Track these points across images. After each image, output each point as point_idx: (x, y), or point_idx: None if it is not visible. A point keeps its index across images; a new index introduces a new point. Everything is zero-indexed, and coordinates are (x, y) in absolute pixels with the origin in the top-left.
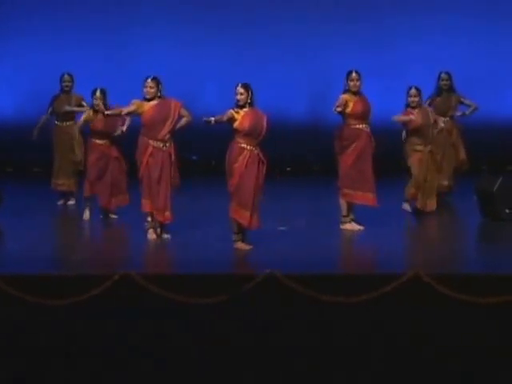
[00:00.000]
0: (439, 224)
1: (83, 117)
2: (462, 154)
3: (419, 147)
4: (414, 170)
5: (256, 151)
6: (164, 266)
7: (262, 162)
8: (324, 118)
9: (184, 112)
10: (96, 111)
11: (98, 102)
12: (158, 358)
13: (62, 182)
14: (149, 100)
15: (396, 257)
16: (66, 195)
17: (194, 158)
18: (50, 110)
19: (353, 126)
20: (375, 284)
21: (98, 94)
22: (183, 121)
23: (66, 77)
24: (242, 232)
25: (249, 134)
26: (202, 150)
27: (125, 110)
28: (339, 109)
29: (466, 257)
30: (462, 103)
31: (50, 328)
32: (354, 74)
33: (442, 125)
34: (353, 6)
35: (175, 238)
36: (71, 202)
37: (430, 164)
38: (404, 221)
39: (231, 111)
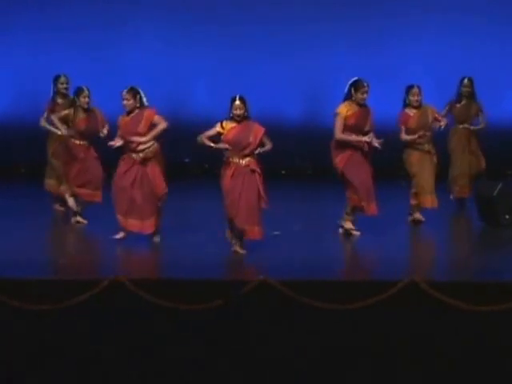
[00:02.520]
0: (437, 230)
1: (63, 112)
2: (483, 163)
3: (417, 146)
4: (414, 169)
5: (244, 162)
6: (155, 271)
7: (253, 172)
8: (318, 119)
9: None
10: (79, 110)
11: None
12: (148, 365)
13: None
14: (128, 113)
15: (392, 263)
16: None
17: (187, 160)
18: (46, 115)
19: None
20: (371, 290)
21: (86, 92)
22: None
23: (63, 78)
24: (241, 238)
25: (233, 147)
26: (194, 153)
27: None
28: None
29: (463, 263)
30: (478, 115)
31: (37, 333)
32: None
33: (445, 122)
34: (348, 5)
35: (166, 241)
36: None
37: (428, 163)
38: (401, 227)
39: (217, 125)
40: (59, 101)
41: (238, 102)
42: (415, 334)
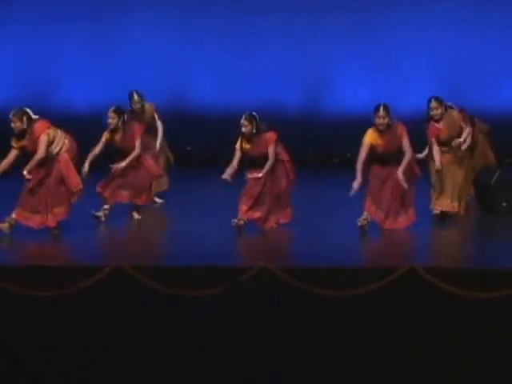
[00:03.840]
0: (435, 217)
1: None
2: (492, 158)
3: (445, 151)
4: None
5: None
6: (157, 258)
7: (281, 162)
8: (318, 108)
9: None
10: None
11: None
12: (150, 351)
13: None
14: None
15: (392, 250)
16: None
17: (189, 148)
18: None
19: None
20: (371, 277)
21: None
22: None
23: (136, 97)
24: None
25: (251, 162)
26: (196, 141)
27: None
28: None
29: (462, 250)
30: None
31: (39, 320)
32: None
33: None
34: None
35: (169, 229)
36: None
37: (454, 165)
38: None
39: (236, 147)
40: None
41: (242, 121)
42: (414, 320)
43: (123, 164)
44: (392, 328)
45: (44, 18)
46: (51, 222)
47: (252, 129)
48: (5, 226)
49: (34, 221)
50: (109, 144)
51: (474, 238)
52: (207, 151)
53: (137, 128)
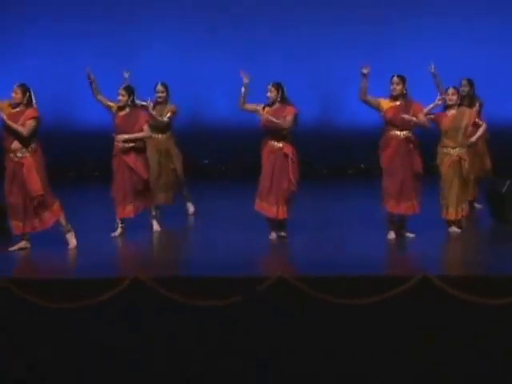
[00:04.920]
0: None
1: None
2: (488, 164)
3: (449, 150)
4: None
5: (278, 145)
6: (175, 269)
7: (286, 156)
8: (333, 120)
9: None
10: (120, 107)
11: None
12: (170, 361)
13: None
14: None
15: (406, 259)
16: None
17: (206, 162)
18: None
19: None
20: (385, 286)
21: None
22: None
23: (160, 87)
24: (273, 223)
25: (267, 130)
26: (213, 155)
27: None
28: None
29: (475, 259)
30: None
31: (60, 331)
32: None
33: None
34: (361, 8)
35: (185, 240)
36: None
37: (456, 170)
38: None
39: (261, 106)
40: (156, 108)
41: (269, 86)
42: (428, 328)
43: (126, 137)
44: (406, 336)
45: (60, 32)
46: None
47: (277, 96)
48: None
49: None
50: (109, 111)
51: (487, 247)
52: (223, 165)
53: (143, 115)
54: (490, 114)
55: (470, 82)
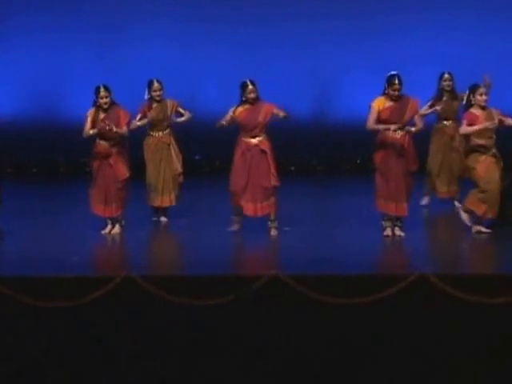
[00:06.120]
0: (446, 225)
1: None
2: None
3: (486, 150)
4: (482, 180)
5: (254, 141)
6: (168, 268)
7: (263, 152)
8: (327, 116)
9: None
10: (99, 110)
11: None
12: (160, 361)
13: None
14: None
15: (403, 257)
16: (159, 211)
17: (198, 157)
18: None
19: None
20: (382, 285)
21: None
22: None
23: (158, 85)
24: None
25: (244, 127)
26: (205, 150)
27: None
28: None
29: (473, 258)
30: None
31: (50, 330)
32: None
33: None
34: (357, 3)
35: (179, 238)
36: (163, 219)
37: (495, 168)
38: (411, 223)
39: (230, 111)
40: (155, 105)
41: (251, 87)
42: (425, 327)
43: (113, 128)
44: (403, 335)
45: (52, 29)
46: None
47: (257, 94)
48: None
49: None
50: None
51: (485, 245)
52: (215, 160)
53: (123, 114)
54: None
55: (452, 76)
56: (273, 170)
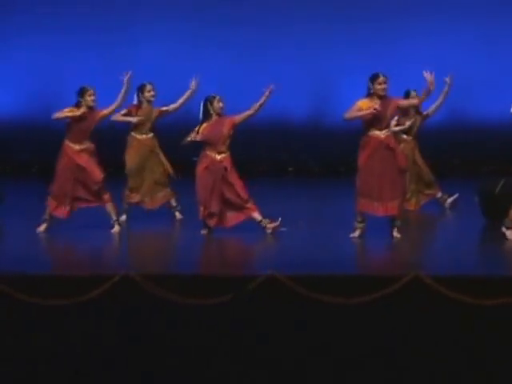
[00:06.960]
0: (440, 226)
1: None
2: (428, 176)
3: None
4: None
5: (219, 157)
6: (165, 267)
7: (226, 170)
8: (324, 117)
9: None
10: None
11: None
12: (159, 360)
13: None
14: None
15: (397, 258)
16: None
17: (195, 159)
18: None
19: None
20: (376, 285)
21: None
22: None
23: (152, 87)
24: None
25: (207, 143)
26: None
27: None
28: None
29: (467, 258)
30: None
31: (48, 329)
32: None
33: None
34: (355, 6)
35: (177, 237)
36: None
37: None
38: (405, 224)
39: (194, 131)
40: (145, 107)
41: (221, 104)
42: (419, 328)
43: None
44: (398, 336)
45: (52, 29)
46: None
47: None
48: None
49: None
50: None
51: (478, 246)
52: None
53: (103, 109)
54: (482, 112)
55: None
56: (239, 183)
